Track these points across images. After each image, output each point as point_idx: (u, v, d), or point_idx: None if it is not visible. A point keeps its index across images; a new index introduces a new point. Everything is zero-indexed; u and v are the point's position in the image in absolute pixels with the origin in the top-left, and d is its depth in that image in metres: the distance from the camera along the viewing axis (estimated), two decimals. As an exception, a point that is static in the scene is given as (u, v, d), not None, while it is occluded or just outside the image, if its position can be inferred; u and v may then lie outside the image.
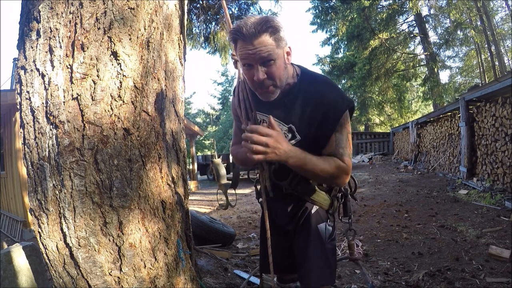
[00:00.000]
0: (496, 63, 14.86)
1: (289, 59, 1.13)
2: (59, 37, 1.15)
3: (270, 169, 1.24)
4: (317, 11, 18.81)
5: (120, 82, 1.19)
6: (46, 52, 1.16)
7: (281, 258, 1.41)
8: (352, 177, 1.35)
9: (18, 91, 1.24)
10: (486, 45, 14.79)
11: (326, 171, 1.09)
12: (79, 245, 1.14)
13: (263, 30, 1.01)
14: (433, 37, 16.18)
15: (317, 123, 1.14)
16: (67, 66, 1.14)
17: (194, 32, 6.70)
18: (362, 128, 21.72)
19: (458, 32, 14.64)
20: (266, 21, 1.02)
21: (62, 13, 1.15)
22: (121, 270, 1.17)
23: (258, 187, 1.33)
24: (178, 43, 1.53)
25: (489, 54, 15.20)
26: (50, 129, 1.15)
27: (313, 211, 1.30)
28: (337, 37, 19.05)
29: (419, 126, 10.18)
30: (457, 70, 19.44)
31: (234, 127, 1.42)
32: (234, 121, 1.40)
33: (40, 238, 1.21)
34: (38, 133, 1.17)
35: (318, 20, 18.99)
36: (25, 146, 1.22)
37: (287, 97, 1.17)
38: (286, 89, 1.16)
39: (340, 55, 20.06)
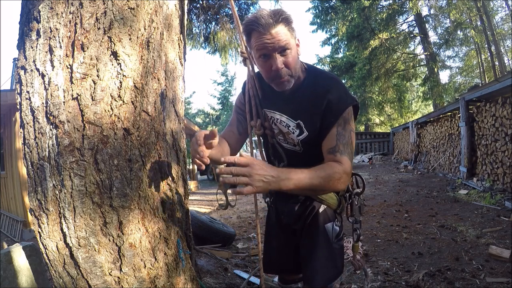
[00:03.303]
0: (496, 63, 14.86)
1: (299, 51, 1.15)
2: (59, 37, 1.15)
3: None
4: (317, 11, 18.81)
5: (120, 82, 1.19)
6: (46, 52, 1.16)
7: (285, 258, 1.41)
8: (360, 176, 1.33)
9: (18, 91, 1.23)
10: (486, 45, 14.79)
11: (323, 184, 1.01)
12: (79, 245, 1.13)
13: (279, 20, 1.05)
14: (433, 37, 16.19)
15: (321, 117, 1.14)
16: (67, 66, 1.14)
17: (194, 32, 6.70)
18: (362, 128, 21.70)
19: (458, 32, 14.65)
20: (281, 12, 1.07)
21: (62, 13, 1.15)
22: (121, 270, 1.17)
23: None
24: (178, 43, 1.53)
25: (489, 54, 15.20)
26: (50, 129, 1.15)
27: (320, 210, 1.29)
28: (337, 37, 19.05)
29: (419, 126, 10.18)
30: (457, 70, 19.44)
31: (232, 117, 1.39)
32: (234, 112, 1.37)
33: (40, 238, 1.21)
34: (38, 133, 1.17)
35: (318, 20, 18.99)
36: (25, 146, 1.22)
37: (295, 92, 1.18)
38: (294, 84, 1.16)
39: (340, 55, 20.06)
